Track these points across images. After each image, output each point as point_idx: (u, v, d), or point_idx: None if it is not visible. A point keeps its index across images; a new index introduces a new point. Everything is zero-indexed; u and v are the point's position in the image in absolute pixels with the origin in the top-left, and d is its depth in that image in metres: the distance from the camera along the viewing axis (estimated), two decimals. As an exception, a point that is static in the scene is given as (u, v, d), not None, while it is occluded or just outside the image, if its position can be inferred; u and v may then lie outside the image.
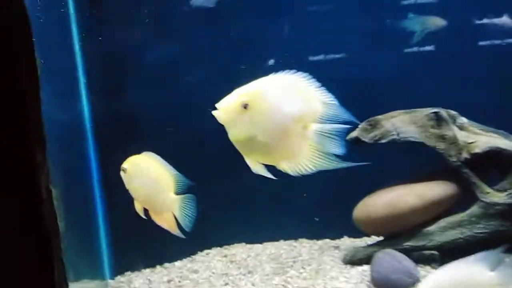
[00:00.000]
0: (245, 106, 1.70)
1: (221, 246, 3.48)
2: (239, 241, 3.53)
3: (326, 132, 1.73)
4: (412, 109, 2.96)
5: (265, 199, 3.43)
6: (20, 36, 1.21)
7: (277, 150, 1.74)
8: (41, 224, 1.24)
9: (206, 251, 3.43)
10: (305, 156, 1.74)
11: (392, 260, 2.77)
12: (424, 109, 2.93)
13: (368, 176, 3.30)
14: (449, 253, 2.88)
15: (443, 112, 2.88)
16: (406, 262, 2.77)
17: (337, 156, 1.75)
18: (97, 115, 3.19)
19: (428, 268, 2.87)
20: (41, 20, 2.21)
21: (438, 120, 2.86)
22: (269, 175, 1.79)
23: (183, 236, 2.38)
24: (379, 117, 2.95)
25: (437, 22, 3.30)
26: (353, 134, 2.93)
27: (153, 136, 3.21)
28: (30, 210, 1.22)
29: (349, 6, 3.29)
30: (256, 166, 1.78)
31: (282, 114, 1.73)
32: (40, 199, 1.24)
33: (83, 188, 3.14)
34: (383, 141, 2.90)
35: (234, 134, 1.74)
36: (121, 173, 2.31)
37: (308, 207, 3.40)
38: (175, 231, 2.37)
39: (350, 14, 3.29)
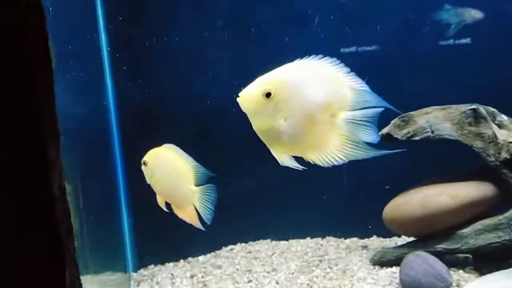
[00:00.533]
0: (268, 95, 1.61)
1: (246, 242, 3.42)
2: (265, 238, 3.46)
3: (356, 121, 1.62)
4: (448, 105, 2.81)
5: (292, 195, 3.35)
6: (33, 26, 1.15)
7: (304, 140, 1.64)
8: (52, 223, 1.18)
9: (230, 246, 3.37)
10: (334, 146, 1.63)
11: (423, 262, 2.65)
12: (461, 105, 2.78)
13: (400, 174, 3.21)
14: (484, 257, 2.75)
15: (481, 108, 2.73)
16: (438, 265, 2.64)
17: (368, 145, 1.64)
18: (122, 106, 3.16)
19: (461, 272, 2.73)
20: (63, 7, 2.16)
21: (476, 117, 2.71)
22: (297, 166, 1.69)
23: (203, 229, 2.32)
24: (413, 113, 2.82)
25: (474, 14, 3.15)
26: (385, 130, 2.81)
27: (178, 128, 3.16)
28: (41, 209, 1.17)
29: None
30: (282, 157, 1.68)
31: (308, 102, 1.62)
32: (52, 198, 1.19)
33: (107, 181, 3.11)
34: (416, 138, 2.76)
35: (258, 124, 1.65)
36: (142, 166, 2.26)
37: (336, 204, 3.30)
38: (197, 223, 2.31)
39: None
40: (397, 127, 2.81)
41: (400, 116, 2.82)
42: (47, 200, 1.17)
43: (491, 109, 2.78)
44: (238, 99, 1.63)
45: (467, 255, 2.79)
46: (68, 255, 1.27)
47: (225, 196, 3.22)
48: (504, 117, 2.77)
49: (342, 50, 3.19)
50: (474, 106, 2.73)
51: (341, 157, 1.64)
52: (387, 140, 2.81)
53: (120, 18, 3.09)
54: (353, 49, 3.25)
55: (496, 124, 2.74)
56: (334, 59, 1.64)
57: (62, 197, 1.25)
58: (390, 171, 3.25)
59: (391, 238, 3.25)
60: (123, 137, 3.19)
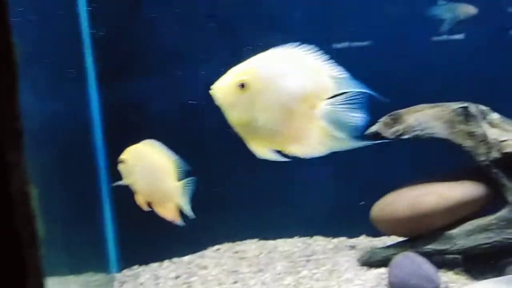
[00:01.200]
0: (243, 86, 1.53)
1: (233, 241, 3.35)
2: (252, 237, 3.39)
3: (338, 107, 1.55)
4: (438, 103, 2.75)
5: (280, 193, 3.30)
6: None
7: (283, 133, 1.57)
8: (11, 230, 1.11)
9: (217, 246, 3.30)
10: (315, 138, 1.56)
11: (412, 264, 2.59)
12: (451, 103, 2.72)
13: (389, 172, 3.16)
14: (474, 258, 2.71)
15: (473, 107, 2.67)
16: (426, 266, 2.59)
17: (351, 136, 1.57)
18: (106, 105, 3.07)
19: (450, 273, 2.68)
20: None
21: (467, 115, 2.65)
22: (279, 158, 1.62)
23: (184, 225, 2.27)
24: (402, 111, 2.76)
25: (468, 10, 3.10)
26: (373, 128, 2.75)
27: (164, 127, 3.07)
28: (-2, 215, 1.09)
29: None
30: (260, 151, 1.61)
31: (286, 93, 1.55)
32: (11, 203, 1.11)
33: (89, 179, 3.03)
34: (405, 136, 2.70)
35: (233, 117, 1.58)
36: (120, 165, 2.18)
37: (324, 202, 3.25)
38: (179, 221, 2.25)
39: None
40: (386, 126, 2.75)
41: (389, 114, 2.76)
42: (4, 206, 1.09)
43: (483, 107, 2.72)
44: (211, 92, 1.56)
45: (457, 256, 2.74)
46: (30, 264, 1.19)
47: (211, 194, 3.17)
48: (495, 116, 2.72)
49: (331, 46, 3.15)
50: (465, 105, 2.67)
51: (322, 149, 1.57)
52: (375, 139, 2.75)
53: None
54: (339, 45, 3.19)
55: (488, 123, 2.68)
56: (312, 46, 1.56)
57: (24, 201, 1.18)
58: (381, 169, 3.22)
59: (380, 238, 3.20)
60: (106, 133, 3.11)
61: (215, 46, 3.10)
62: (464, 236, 2.67)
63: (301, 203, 3.26)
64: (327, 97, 1.55)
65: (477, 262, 2.69)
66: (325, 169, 3.13)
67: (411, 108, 2.78)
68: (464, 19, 3.12)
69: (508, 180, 2.58)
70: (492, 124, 2.68)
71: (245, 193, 3.25)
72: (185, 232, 2.96)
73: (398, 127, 2.73)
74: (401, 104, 2.78)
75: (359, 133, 1.57)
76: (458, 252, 2.69)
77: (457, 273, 2.69)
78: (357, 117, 1.55)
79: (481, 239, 2.64)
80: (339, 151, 1.63)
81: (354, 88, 1.54)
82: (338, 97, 1.55)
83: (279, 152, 1.62)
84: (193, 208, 2.72)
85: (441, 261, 2.73)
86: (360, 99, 1.54)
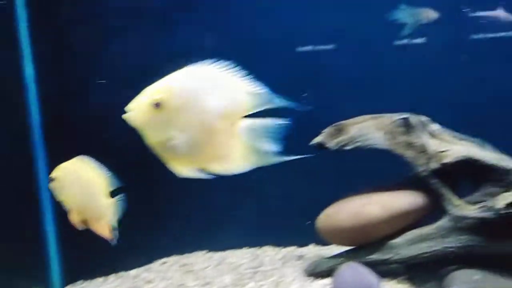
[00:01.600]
0: (158, 105, 1.50)
1: (181, 254, 3.31)
2: (201, 249, 3.36)
3: (258, 126, 1.54)
4: (381, 114, 2.79)
5: (229, 203, 3.27)
6: None
7: (203, 152, 1.55)
8: None
9: (164, 259, 3.25)
10: (237, 155, 1.54)
11: (354, 274, 2.59)
12: (393, 114, 2.75)
13: (341, 180, 3.17)
14: (416, 267, 2.73)
15: (413, 118, 2.71)
16: (369, 277, 2.59)
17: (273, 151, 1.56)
18: (47, 120, 2.98)
19: (393, 283, 2.71)
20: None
21: (407, 126, 2.69)
22: (202, 175, 1.60)
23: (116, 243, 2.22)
24: (346, 122, 2.78)
25: (429, 14, 3.14)
26: (317, 139, 2.76)
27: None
28: None
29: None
30: (182, 170, 1.58)
31: (203, 110, 1.53)
32: None
33: (29, 190, 2.94)
34: (348, 147, 2.72)
35: (151, 138, 1.54)
36: (51, 183, 2.12)
37: (274, 210, 3.25)
38: (111, 238, 2.21)
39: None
40: (329, 136, 2.77)
41: (334, 124, 2.78)
42: None
43: (424, 118, 2.76)
44: (124, 115, 1.52)
45: (399, 265, 2.77)
46: None
47: (157, 206, 3.12)
48: (436, 127, 2.76)
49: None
50: (405, 116, 2.71)
51: (246, 165, 1.56)
52: (319, 149, 2.76)
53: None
54: (290, 53, 3.20)
55: (428, 134, 2.72)
56: (229, 62, 1.54)
57: None
58: (327, 179, 3.23)
59: (329, 247, 3.21)
60: (47, 139, 3.01)
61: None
62: (406, 246, 2.70)
63: (250, 213, 3.24)
64: (246, 113, 1.54)
65: (419, 271, 2.72)
66: (276, 176, 3.13)
67: (355, 118, 2.81)
68: (425, 23, 3.16)
69: (446, 190, 2.62)
70: (432, 135, 2.72)
71: (193, 204, 3.21)
72: (132, 245, 2.91)
73: (342, 138, 2.75)
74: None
75: (282, 147, 1.56)
76: (401, 261, 2.72)
77: (400, 282, 2.71)
78: (279, 132, 1.54)
79: (422, 248, 2.66)
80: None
81: (274, 103, 1.54)
82: (257, 120, 1.54)
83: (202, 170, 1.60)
84: (138, 221, 2.69)
85: (385, 271, 2.75)
86: (282, 113, 1.54)
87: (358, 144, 2.71)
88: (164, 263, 3.21)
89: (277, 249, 3.31)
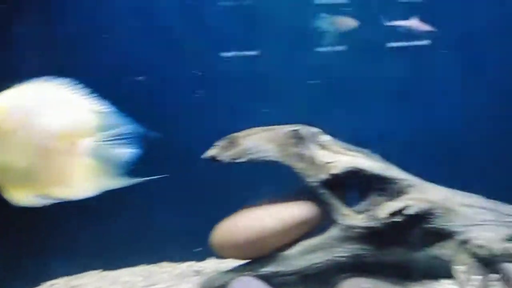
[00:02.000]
0: None
1: (71, 274, 3.12)
2: (94, 268, 3.19)
3: (103, 147, 1.46)
4: (274, 126, 2.80)
5: (123, 220, 3.14)
6: None
7: (41, 175, 1.43)
8: None
9: (51, 281, 3.05)
10: (80, 178, 1.45)
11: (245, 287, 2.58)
12: (284, 126, 2.78)
13: (243, 192, 3.14)
14: (310, 278, 2.75)
15: (304, 129, 2.75)
16: (262, 290, 2.59)
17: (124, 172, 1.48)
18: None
19: (289, 294, 2.71)
20: None
21: (298, 138, 2.72)
22: (42, 203, 1.48)
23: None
24: (238, 134, 2.76)
25: (348, 23, 3.19)
26: (210, 152, 2.72)
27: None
28: None
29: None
30: (19, 197, 1.46)
31: (39, 131, 1.42)
32: None
33: None
34: (240, 160, 2.70)
35: None
36: None
37: (170, 226, 3.16)
38: None
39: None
40: (222, 149, 2.73)
41: (226, 137, 2.75)
42: None
43: (315, 129, 2.81)
44: None
45: (293, 276, 2.78)
46: None
47: (42, 224, 2.92)
48: (326, 138, 2.81)
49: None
50: (296, 127, 2.74)
51: (91, 189, 1.46)
52: (212, 162, 2.72)
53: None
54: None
55: (318, 145, 2.77)
56: (70, 80, 1.46)
57: None
58: (231, 190, 3.20)
59: (227, 261, 3.15)
60: None
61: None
62: (298, 257, 2.71)
63: (145, 229, 3.14)
64: (90, 133, 1.45)
65: (313, 281, 2.75)
66: (171, 188, 3.04)
67: (248, 130, 2.80)
68: (344, 31, 3.21)
69: (335, 200, 2.68)
70: (322, 146, 2.77)
71: (84, 220, 3.04)
72: (18, 267, 2.70)
73: (234, 151, 2.72)
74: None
75: (129, 169, 1.49)
76: (294, 272, 2.72)
77: (296, 294, 2.72)
78: (126, 153, 1.46)
79: (315, 258, 2.69)
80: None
81: (119, 122, 1.46)
82: (104, 133, 1.45)
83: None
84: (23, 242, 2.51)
85: (280, 282, 2.75)
86: (130, 133, 1.46)
87: (250, 156, 2.69)
88: (52, 285, 3.01)
89: (174, 264, 3.22)
